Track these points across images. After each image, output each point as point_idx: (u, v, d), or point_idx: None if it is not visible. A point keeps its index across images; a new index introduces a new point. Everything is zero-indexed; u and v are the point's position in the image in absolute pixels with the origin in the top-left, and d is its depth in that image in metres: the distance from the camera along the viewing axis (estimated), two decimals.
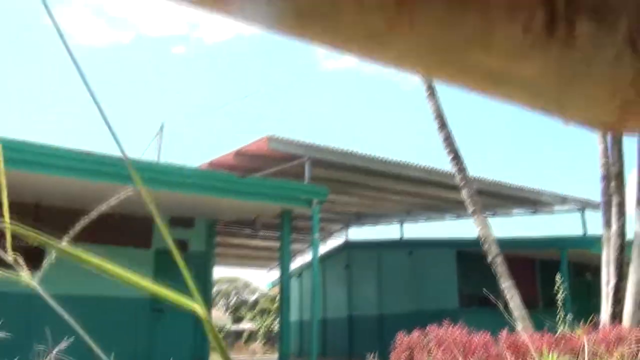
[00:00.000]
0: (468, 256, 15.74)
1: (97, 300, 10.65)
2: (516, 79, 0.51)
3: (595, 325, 5.94)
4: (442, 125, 7.31)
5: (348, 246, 20.27)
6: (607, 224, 7.33)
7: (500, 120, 70.48)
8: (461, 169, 7.25)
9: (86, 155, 8.01)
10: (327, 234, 20.21)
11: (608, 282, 6.80)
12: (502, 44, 0.46)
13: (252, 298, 42.02)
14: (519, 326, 6.03)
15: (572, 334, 4.85)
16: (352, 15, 0.41)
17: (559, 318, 6.18)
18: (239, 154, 12.37)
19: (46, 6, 0.45)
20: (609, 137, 7.79)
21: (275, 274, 25.55)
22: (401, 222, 19.22)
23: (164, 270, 12.60)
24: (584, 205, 16.18)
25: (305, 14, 0.42)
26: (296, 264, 21.10)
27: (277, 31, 0.43)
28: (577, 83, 0.54)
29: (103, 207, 0.83)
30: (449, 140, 7.39)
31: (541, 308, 12.94)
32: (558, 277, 5.99)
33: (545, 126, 68.87)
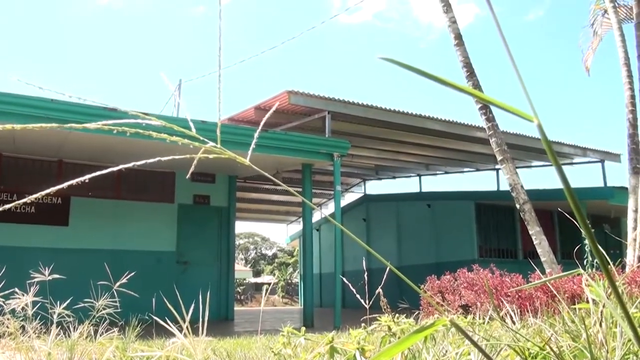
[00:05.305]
0: (487, 208, 15.76)
1: (126, 254, 10.97)
2: None
3: (622, 268, 5.94)
4: (470, 73, 7.19)
5: (366, 199, 20.35)
6: (634, 170, 7.24)
7: (522, 72, 69.45)
8: (489, 118, 7.18)
9: (107, 111, 7.98)
10: (344, 188, 20.29)
11: (635, 228, 6.77)
12: None
13: (271, 252, 42.67)
14: (547, 270, 6.06)
15: (602, 275, 4.88)
16: None
17: (586, 263, 6.21)
18: (259, 108, 12.35)
19: None
20: (636, 84, 7.65)
21: (292, 228, 25.87)
22: (419, 176, 19.21)
23: (187, 223, 12.81)
24: (604, 157, 16.03)
25: None
26: (313, 218, 21.36)
27: None
28: None
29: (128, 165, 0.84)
30: (477, 89, 7.25)
31: (560, 259, 12.97)
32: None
33: (567, 80, 67.62)
